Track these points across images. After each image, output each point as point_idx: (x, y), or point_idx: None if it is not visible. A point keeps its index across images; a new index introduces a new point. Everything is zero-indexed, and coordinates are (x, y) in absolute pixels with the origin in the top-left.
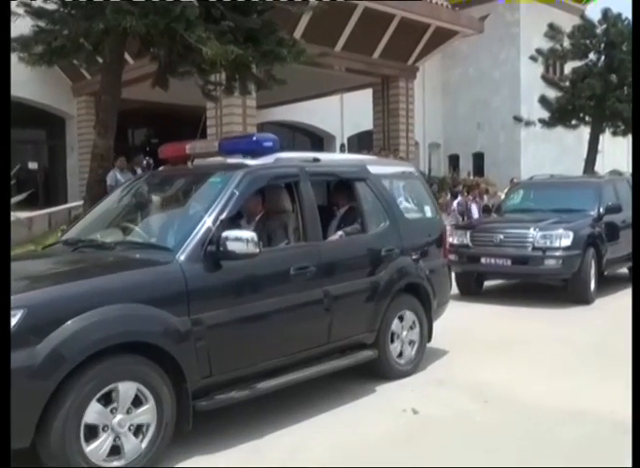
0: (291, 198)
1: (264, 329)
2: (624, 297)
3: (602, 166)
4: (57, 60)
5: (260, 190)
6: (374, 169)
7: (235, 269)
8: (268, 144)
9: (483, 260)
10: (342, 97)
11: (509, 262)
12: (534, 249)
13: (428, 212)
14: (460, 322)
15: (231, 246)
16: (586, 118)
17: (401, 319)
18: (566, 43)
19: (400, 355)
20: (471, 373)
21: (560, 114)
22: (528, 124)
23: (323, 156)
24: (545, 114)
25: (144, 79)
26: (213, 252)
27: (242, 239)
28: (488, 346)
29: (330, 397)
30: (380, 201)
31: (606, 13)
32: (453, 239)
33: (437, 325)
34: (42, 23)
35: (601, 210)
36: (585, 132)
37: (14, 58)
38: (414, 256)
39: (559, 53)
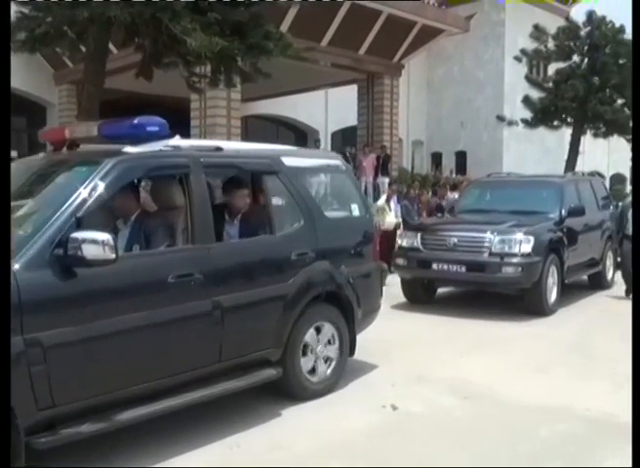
0: (183, 193)
1: (128, 348)
2: (587, 307)
3: (582, 167)
4: (39, 48)
5: (134, 183)
6: (289, 161)
7: (93, 278)
8: (153, 129)
9: (435, 266)
10: (327, 93)
11: (464, 269)
12: (491, 254)
13: (356, 210)
14: (388, 336)
15: (85, 250)
16: (568, 119)
17: (318, 331)
18: (550, 44)
19: (312, 371)
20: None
21: (542, 115)
22: (510, 124)
23: (228, 145)
24: (528, 114)
25: (128, 69)
26: (61, 257)
27: (97, 241)
28: None
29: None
30: (293, 197)
31: (590, 15)
32: (402, 241)
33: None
34: (25, 10)
35: (563, 212)
36: (567, 133)
37: None
38: (334, 260)
39: (543, 54)
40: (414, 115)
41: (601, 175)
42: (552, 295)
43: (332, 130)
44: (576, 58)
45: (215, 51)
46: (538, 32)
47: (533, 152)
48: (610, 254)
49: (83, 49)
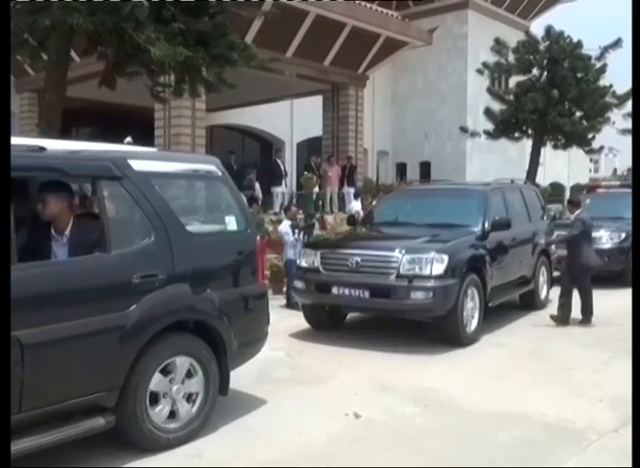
0: None
1: None
2: (514, 334)
3: (543, 177)
4: None
5: None
6: (140, 164)
7: None
8: None
9: (334, 290)
10: (293, 103)
11: (367, 294)
12: (398, 277)
13: (232, 223)
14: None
15: None
16: (529, 131)
17: (165, 372)
18: (511, 58)
19: (172, 416)
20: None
21: (504, 126)
22: (473, 135)
23: (57, 145)
24: (490, 126)
25: (91, 78)
26: None
27: None
28: None
29: (273, 397)
30: (141, 208)
31: (549, 30)
32: (301, 260)
33: None
34: None
35: (486, 225)
36: (528, 144)
37: None
38: (197, 284)
39: (504, 67)
40: (378, 126)
41: (560, 187)
42: (473, 322)
43: (297, 140)
44: (535, 71)
45: (179, 60)
46: (499, 46)
47: (495, 163)
48: (543, 271)
49: (44, 57)
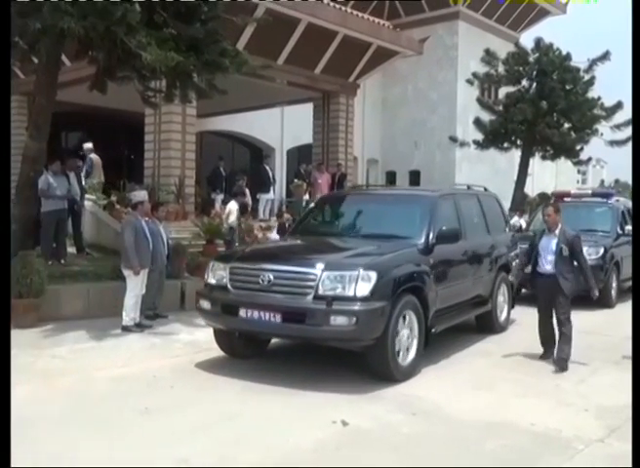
0: None
1: None
2: (459, 369)
3: (531, 188)
4: None
5: None
6: None
7: None
8: None
9: (242, 313)
10: (283, 110)
11: (279, 318)
12: (316, 298)
13: None
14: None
15: None
16: (518, 141)
17: None
18: (501, 68)
19: None
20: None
21: (493, 137)
22: (463, 144)
23: None
24: (480, 136)
25: (82, 82)
26: None
27: None
28: None
29: (262, 407)
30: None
31: (538, 42)
32: (209, 277)
33: None
34: None
35: (431, 237)
36: (517, 155)
37: None
38: None
39: (494, 77)
40: (369, 134)
41: (548, 197)
42: (409, 353)
43: (287, 147)
44: (525, 82)
45: (170, 66)
46: (489, 57)
47: (484, 172)
48: (503, 289)
49: (35, 60)
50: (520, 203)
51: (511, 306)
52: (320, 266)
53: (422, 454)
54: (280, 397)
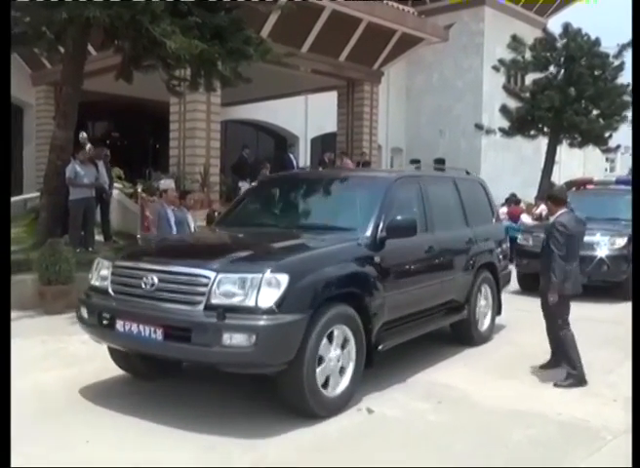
0: None
1: None
2: (409, 401)
3: (559, 176)
4: (16, 48)
5: None
6: None
7: None
8: None
9: (119, 326)
10: (307, 99)
11: (160, 334)
12: (208, 308)
13: None
14: None
15: None
16: (545, 129)
17: None
18: (527, 55)
19: None
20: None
21: (519, 124)
22: (488, 132)
23: None
24: (506, 123)
25: (108, 71)
26: None
27: None
28: None
29: None
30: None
31: (567, 27)
32: (92, 277)
33: None
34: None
35: (379, 229)
36: (543, 142)
37: None
38: None
39: (520, 64)
40: (393, 122)
41: (551, 183)
42: (342, 379)
43: (311, 136)
44: (552, 69)
45: (194, 54)
46: (515, 43)
47: (510, 160)
48: (486, 293)
49: (61, 50)
50: (547, 191)
51: (497, 312)
52: (214, 266)
53: (448, 443)
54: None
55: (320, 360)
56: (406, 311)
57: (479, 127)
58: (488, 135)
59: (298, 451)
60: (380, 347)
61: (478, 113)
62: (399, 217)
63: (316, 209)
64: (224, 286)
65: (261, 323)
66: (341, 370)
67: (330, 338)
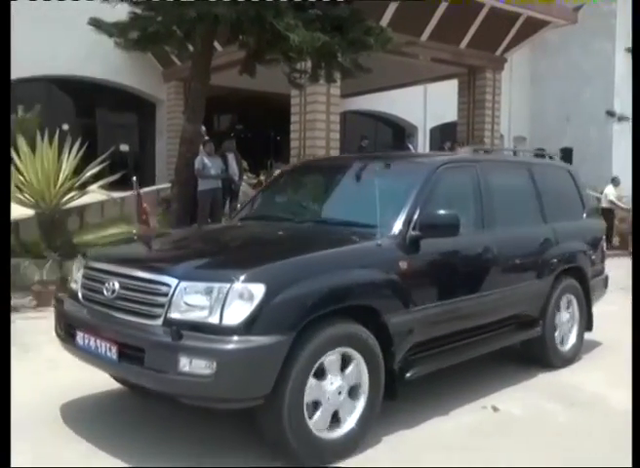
0: None
1: None
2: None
3: None
4: (150, 47)
5: None
6: None
7: None
8: None
9: (79, 338)
10: (426, 88)
11: (115, 353)
12: (167, 324)
13: None
14: None
15: None
16: None
17: None
18: None
19: None
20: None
21: None
22: (621, 119)
23: None
24: None
25: (232, 66)
26: None
27: None
28: None
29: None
30: None
31: None
32: (71, 280)
33: None
34: (138, 10)
35: (411, 226)
36: None
37: (111, 43)
38: None
39: None
40: (516, 110)
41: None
42: (347, 419)
43: (430, 126)
44: None
45: (316, 46)
46: None
47: None
48: (570, 304)
49: (190, 47)
50: None
51: (587, 327)
52: (177, 272)
53: (577, 445)
54: None
55: (316, 404)
56: (448, 329)
57: (611, 113)
58: (620, 121)
59: (413, 450)
60: (408, 375)
61: (609, 98)
62: (438, 212)
63: (339, 200)
64: (187, 296)
65: (224, 346)
66: (347, 406)
67: (328, 365)
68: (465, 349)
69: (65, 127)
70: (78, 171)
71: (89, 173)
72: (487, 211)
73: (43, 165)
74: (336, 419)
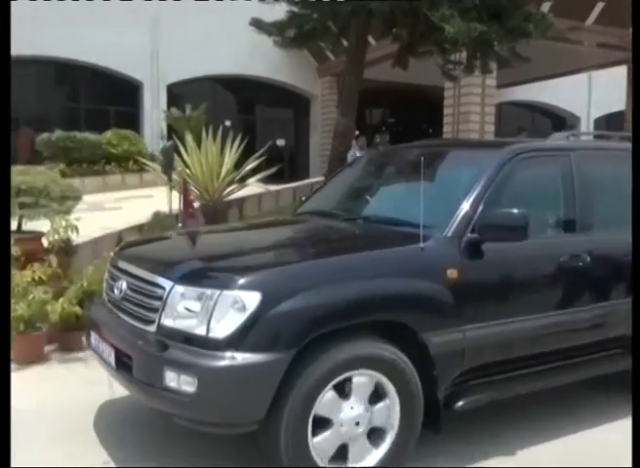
0: None
1: None
2: None
3: None
4: (306, 43)
5: None
6: None
7: None
8: None
9: (93, 338)
10: (591, 76)
11: (112, 358)
12: (159, 331)
13: None
14: None
15: None
16: None
17: None
18: None
19: None
20: None
21: None
22: None
23: None
24: None
25: (384, 59)
26: None
27: None
28: None
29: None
30: None
31: None
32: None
33: None
34: (295, 9)
35: (469, 227)
36: None
37: (270, 42)
38: None
39: None
40: None
41: None
42: (369, 454)
43: (595, 116)
44: None
45: (472, 36)
46: None
47: None
48: None
49: (344, 42)
50: None
51: None
52: (173, 274)
53: None
54: None
55: (325, 422)
56: (516, 352)
57: None
58: None
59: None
60: (458, 404)
61: None
62: (501, 211)
63: (393, 195)
64: (181, 301)
65: (205, 362)
66: (375, 437)
67: (355, 386)
68: (539, 377)
69: (228, 123)
70: (238, 165)
71: (248, 166)
72: (582, 210)
73: (207, 159)
74: (355, 454)
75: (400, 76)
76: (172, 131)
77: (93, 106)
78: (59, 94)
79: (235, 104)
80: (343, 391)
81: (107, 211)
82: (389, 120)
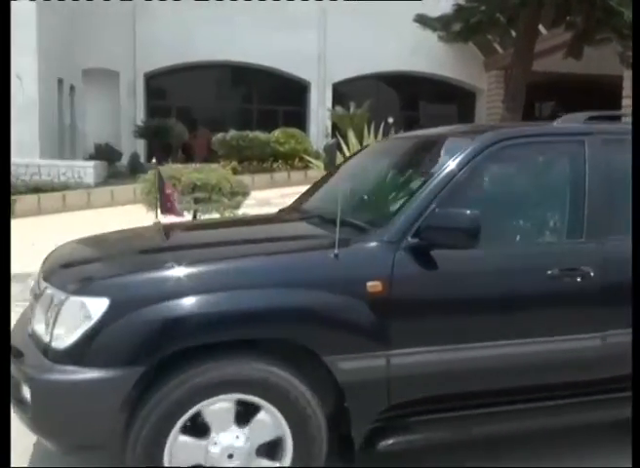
0: None
1: None
2: None
3: None
4: (472, 37)
5: None
6: None
7: None
8: None
9: None
10: None
11: None
12: (31, 337)
13: None
14: None
15: None
16: None
17: None
18: None
19: None
20: None
21: None
22: None
23: None
24: None
25: (554, 51)
26: None
27: None
28: None
29: None
30: None
31: None
32: None
33: None
34: (462, 2)
35: (411, 229)
36: None
37: (434, 38)
38: None
39: None
40: None
41: None
42: None
43: None
44: None
45: None
46: None
47: None
48: None
49: (513, 33)
50: None
51: None
52: (47, 273)
53: None
54: None
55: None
56: (469, 387)
57: None
58: None
59: None
60: (385, 443)
61: None
62: (448, 211)
63: (354, 193)
64: (42, 303)
65: (36, 375)
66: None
67: (210, 417)
68: (505, 418)
69: (390, 120)
70: None
71: None
72: (590, 212)
73: None
74: None
75: (571, 66)
76: (336, 128)
77: (264, 107)
78: (233, 95)
79: (398, 101)
80: (197, 430)
81: (274, 206)
82: (560, 114)
